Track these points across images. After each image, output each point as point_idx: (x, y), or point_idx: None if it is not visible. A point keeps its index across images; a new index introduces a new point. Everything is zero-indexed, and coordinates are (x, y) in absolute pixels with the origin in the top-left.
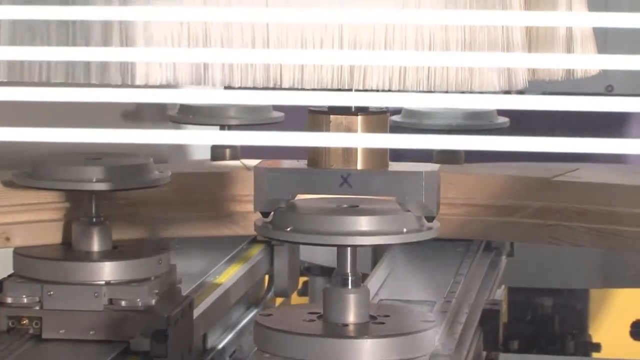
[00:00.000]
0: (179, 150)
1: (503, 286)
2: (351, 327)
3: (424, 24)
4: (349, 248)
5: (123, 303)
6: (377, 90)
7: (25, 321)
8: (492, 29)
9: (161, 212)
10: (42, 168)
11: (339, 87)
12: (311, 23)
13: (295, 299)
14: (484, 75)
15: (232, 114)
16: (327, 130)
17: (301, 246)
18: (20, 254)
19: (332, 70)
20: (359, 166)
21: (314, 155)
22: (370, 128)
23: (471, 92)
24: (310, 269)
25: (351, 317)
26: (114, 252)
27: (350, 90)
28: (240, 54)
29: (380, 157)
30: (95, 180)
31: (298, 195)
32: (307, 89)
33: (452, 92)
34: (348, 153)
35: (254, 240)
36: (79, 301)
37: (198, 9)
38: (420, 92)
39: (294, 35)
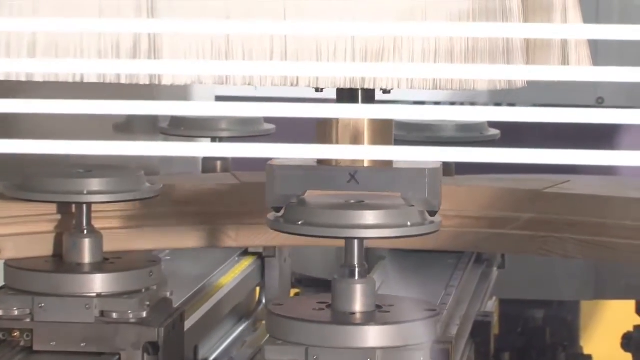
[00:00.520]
0: (170, 162)
1: (494, 298)
2: (358, 315)
3: (430, 35)
4: (356, 240)
5: (114, 315)
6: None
7: (17, 333)
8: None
9: (152, 224)
10: (33, 180)
11: (352, 87)
12: (326, 34)
13: None
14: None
15: (223, 126)
16: (337, 129)
17: (292, 258)
18: (12, 266)
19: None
20: (366, 163)
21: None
22: (377, 127)
23: (469, 95)
24: (301, 281)
25: (358, 306)
26: (105, 264)
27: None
28: (260, 66)
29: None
30: (86, 193)
31: (308, 191)
32: (320, 88)
33: (455, 89)
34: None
35: (245, 252)
36: (70, 313)
37: (221, 22)
38: (412, 103)
39: (309, 45)
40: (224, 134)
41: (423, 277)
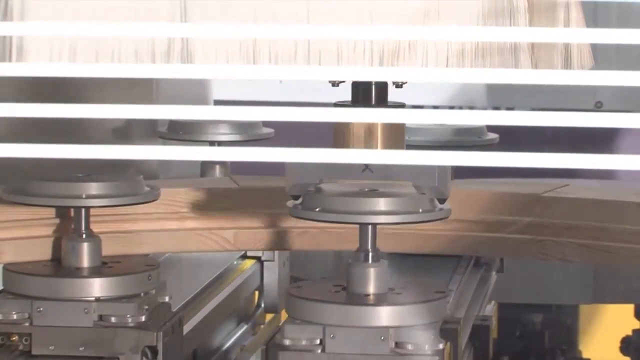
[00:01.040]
0: (169, 166)
1: (493, 302)
2: (372, 297)
3: (441, 39)
4: (369, 226)
5: (113, 319)
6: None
7: (15, 337)
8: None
9: (151, 228)
10: (31, 184)
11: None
12: (346, 36)
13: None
14: (494, 63)
15: (221, 130)
16: (351, 122)
17: (291, 262)
18: (10, 270)
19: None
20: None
21: (339, 144)
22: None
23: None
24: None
25: (372, 288)
26: (104, 268)
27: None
28: (286, 70)
29: (399, 146)
30: (85, 197)
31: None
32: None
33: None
34: (370, 142)
35: (244, 256)
36: (69, 317)
37: (249, 26)
38: (411, 107)
39: (330, 46)
40: (223, 138)
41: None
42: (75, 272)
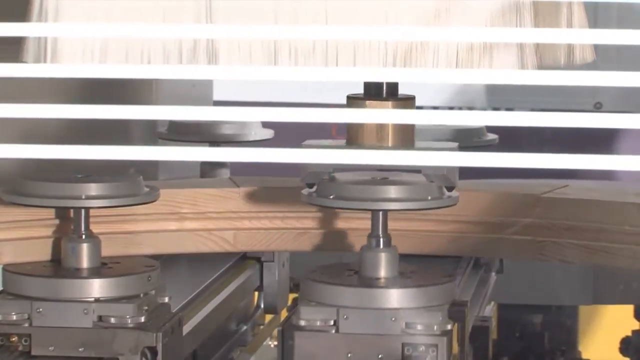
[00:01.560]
0: (169, 167)
1: (492, 303)
2: (383, 280)
3: (451, 40)
4: (380, 212)
5: (112, 320)
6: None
7: (15, 338)
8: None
9: (151, 228)
10: (30, 185)
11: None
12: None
13: (285, 315)
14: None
15: (221, 131)
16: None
17: (291, 263)
18: (10, 270)
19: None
20: (390, 143)
21: (351, 134)
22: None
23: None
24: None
25: (383, 272)
26: (103, 269)
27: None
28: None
29: (408, 136)
30: (84, 197)
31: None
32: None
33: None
34: (381, 132)
35: (243, 257)
36: (68, 318)
37: (270, 27)
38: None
39: (347, 45)
40: (222, 139)
41: None
42: (75, 273)
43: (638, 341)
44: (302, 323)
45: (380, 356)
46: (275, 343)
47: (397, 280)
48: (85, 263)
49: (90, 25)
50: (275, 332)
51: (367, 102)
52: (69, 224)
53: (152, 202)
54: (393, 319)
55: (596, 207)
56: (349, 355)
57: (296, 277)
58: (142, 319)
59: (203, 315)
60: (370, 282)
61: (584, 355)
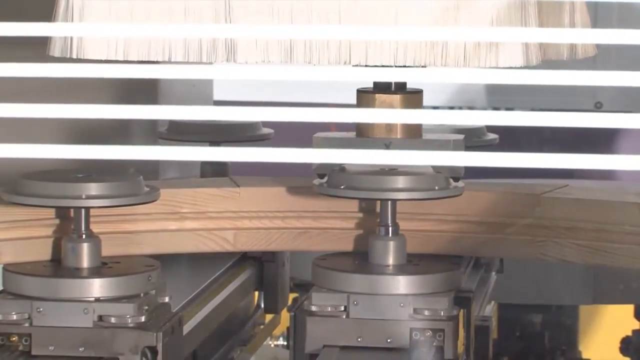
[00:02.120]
0: (169, 166)
1: (493, 302)
2: (392, 267)
3: (459, 40)
4: (389, 202)
5: (113, 320)
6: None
7: (15, 338)
8: None
9: (151, 228)
10: (30, 184)
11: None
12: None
13: (285, 315)
14: (507, 51)
15: (221, 130)
16: (373, 106)
17: (291, 263)
18: (10, 270)
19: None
20: (399, 135)
21: (361, 126)
22: (408, 104)
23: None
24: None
25: (391, 259)
26: (104, 268)
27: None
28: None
29: (417, 128)
30: (84, 197)
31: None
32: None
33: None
34: (390, 124)
35: (243, 257)
36: (69, 318)
37: (286, 27)
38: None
39: (359, 46)
40: (223, 139)
41: None
42: (75, 273)
43: (638, 341)
44: (314, 308)
45: (389, 340)
46: (276, 343)
47: (406, 267)
48: (85, 263)
49: (111, 26)
50: (275, 332)
51: (377, 95)
52: (69, 224)
53: (153, 201)
54: (401, 304)
55: (596, 206)
56: (359, 339)
57: (296, 276)
58: (143, 319)
59: (203, 315)
60: (379, 269)
61: (584, 355)
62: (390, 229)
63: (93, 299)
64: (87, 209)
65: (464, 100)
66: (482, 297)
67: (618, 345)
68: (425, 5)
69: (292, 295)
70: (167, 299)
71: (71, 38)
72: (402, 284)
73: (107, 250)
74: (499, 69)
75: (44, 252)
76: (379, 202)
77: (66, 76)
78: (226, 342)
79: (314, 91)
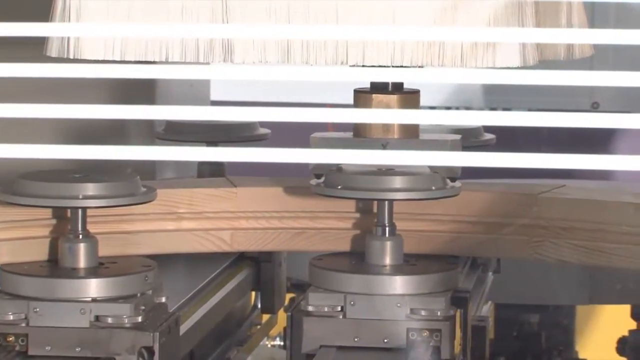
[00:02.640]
0: (166, 167)
1: (489, 302)
2: (389, 267)
3: (456, 40)
4: (386, 202)
5: (109, 320)
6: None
7: (11, 338)
8: None
9: (148, 228)
10: (28, 184)
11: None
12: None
13: (282, 315)
14: (504, 51)
15: (218, 130)
16: (370, 106)
17: (288, 263)
18: (7, 270)
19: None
20: (396, 135)
21: (359, 127)
22: (405, 104)
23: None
24: (296, 286)
25: (388, 260)
26: (100, 269)
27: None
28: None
29: (414, 128)
30: (81, 197)
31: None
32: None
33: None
34: (387, 124)
35: (240, 257)
36: (65, 318)
37: (283, 26)
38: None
39: (356, 46)
40: (220, 139)
41: None
42: (72, 273)
43: (635, 341)
44: (310, 309)
45: (385, 340)
46: (273, 343)
47: (402, 267)
48: (82, 263)
49: (109, 26)
50: (272, 332)
51: (374, 95)
52: (66, 224)
53: (150, 202)
54: (398, 304)
55: (593, 207)
56: (356, 339)
57: (293, 277)
58: (139, 319)
59: (200, 315)
60: (376, 269)
61: (580, 355)
62: (387, 229)
63: (90, 299)
64: (84, 209)
65: (461, 101)
66: (479, 297)
67: (615, 345)
68: (423, 5)
69: (289, 296)
70: (164, 299)
71: (68, 38)
72: (399, 284)
73: (104, 251)
74: (496, 69)
75: (41, 252)
76: (375, 202)
77: (63, 76)
78: (223, 342)
79: (311, 91)
